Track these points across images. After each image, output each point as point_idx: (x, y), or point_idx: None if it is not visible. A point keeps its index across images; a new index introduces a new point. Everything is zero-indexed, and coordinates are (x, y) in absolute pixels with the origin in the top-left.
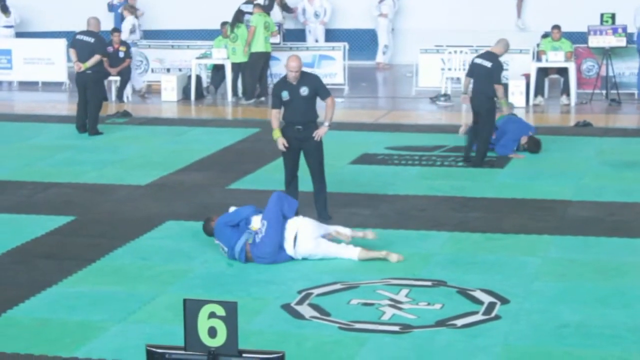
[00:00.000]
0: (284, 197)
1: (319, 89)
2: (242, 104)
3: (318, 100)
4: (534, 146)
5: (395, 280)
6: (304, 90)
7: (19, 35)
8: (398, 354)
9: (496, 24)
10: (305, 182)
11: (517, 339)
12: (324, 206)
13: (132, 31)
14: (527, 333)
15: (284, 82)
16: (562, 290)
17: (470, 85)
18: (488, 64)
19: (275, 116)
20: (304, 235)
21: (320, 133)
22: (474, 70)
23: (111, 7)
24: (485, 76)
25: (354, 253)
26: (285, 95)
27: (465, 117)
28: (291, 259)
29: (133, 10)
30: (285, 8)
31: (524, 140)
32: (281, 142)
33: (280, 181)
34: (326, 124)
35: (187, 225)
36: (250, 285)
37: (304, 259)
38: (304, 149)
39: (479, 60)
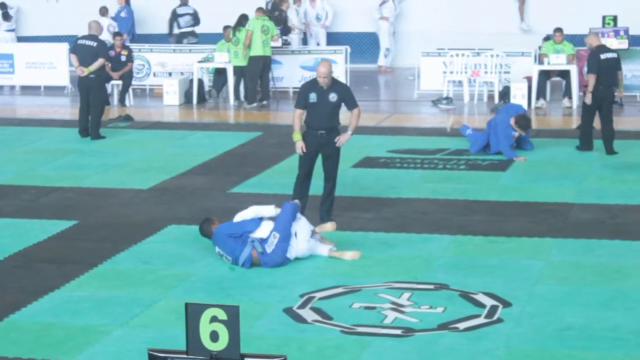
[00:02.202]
0: (297, 208)
1: (347, 98)
2: (244, 107)
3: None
4: (522, 120)
5: (397, 284)
6: (333, 97)
7: (21, 39)
8: (400, 357)
9: (498, 27)
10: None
11: (519, 342)
12: (328, 209)
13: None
14: (530, 336)
15: (313, 84)
16: (564, 293)
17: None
18: (614, 54)
19: (298, 116)
20: (302, 238)
21: (342, 140)
22: (602, 66)
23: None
24: (615, 66)
25: (325, 250)
26: (313, 97)
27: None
28: (289, 260)
29: (103, 11)
30: (285, 26)
31: (512, 121)
32: (300, 146)
33: (282, 185)
34: (349, 131)
35: (189, 230)
36: (252, 289)
37: (297, 258)
38: (323, 153)
39: (605, 55)
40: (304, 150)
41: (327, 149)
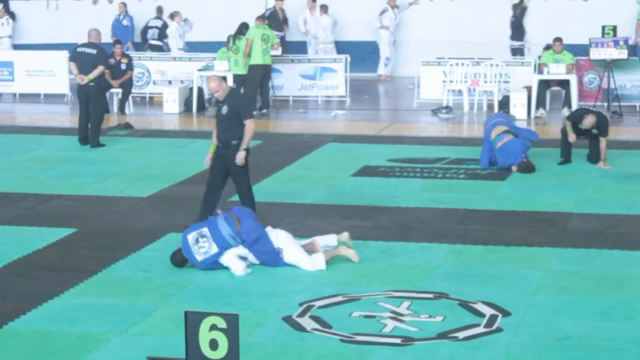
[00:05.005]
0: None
1: (239, 109)
2: None
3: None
4: (525, 171)
5: (397, 293)
6: (224, 109)
7: (20, 47)
8: None
9: (498, 36)
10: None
11: (518, 351)
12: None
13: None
14: (529, 346)
15: (217, 99)
16: (563, 302)
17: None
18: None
19: (214, 131)
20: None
21: (238, 157)
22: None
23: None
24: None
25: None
26: (215, 112)
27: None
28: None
29: (173, 15)
30: (285, 22)
31: (514, 169)
32: (206, 158)
33: (281, 193)
34: (242, 147)
35: None
36: (252, 297)
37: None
38: (228, 169)
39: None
40: (208, 163)
41: (229, 163)
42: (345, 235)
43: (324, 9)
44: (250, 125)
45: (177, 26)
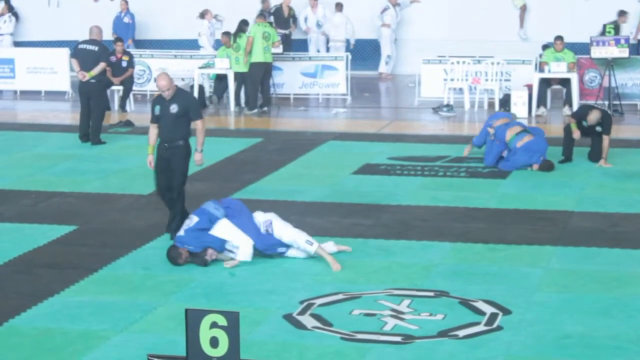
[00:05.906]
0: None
1: (190, 109)
2: (245, 113)
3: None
4: (547, 169)
5: (397, 291)
6: (174, 108)
7: (21, 44)
8: None
9: (499, 35)
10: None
11: (519, 349)
12: (174, 230)
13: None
14: (529, 344)
15: (159, 97)
16: (564, 301)
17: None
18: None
19: (151, 131)
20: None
21: (197, 159)
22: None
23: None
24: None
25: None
26: (157, 110)
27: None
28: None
29: (203, 13)
30: (294, 20)
31: (535, 167)
32: (149, 160)
33: (283, 191)
34: (198, 149)
35: None
36: (252, 295)
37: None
38: (170, 167)
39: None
40: (152, 165)
41: (172, 162)
42: (330, 244)
43: (339, 7)
44: (203, 125)
45: (209, 24)
